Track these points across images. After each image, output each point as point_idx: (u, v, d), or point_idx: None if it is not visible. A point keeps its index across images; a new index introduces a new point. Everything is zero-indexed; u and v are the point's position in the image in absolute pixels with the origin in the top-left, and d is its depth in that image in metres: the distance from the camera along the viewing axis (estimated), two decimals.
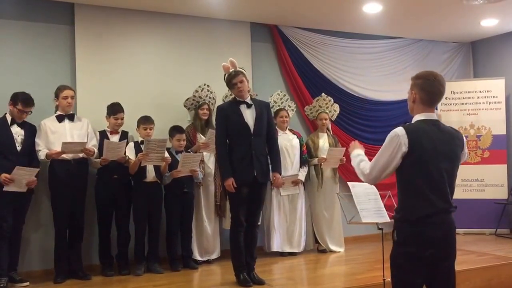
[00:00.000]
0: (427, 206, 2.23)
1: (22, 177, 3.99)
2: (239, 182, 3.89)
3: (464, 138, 2.44)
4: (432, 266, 2.26)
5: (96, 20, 4.90)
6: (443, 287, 2.32)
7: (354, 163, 2.53)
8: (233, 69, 3.94)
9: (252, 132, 3.92)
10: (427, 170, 2.23)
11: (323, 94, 5.58)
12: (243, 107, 3.96)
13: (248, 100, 4.01)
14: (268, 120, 4.06)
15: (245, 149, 3.90)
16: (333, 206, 5.36)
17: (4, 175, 3.95)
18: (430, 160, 2.23)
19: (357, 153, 2.58)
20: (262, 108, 4.04)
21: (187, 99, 4.92)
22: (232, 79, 3.92)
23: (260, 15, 5.42)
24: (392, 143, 2.26)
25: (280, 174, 4.19)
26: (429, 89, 2.33)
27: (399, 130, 2.27)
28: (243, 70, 4.00)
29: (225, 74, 4.00)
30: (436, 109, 2.60)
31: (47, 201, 4.47)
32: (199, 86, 4.93)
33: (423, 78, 2.35)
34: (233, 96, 4.24)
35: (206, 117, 4.91)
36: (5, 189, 3.98)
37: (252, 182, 3.91)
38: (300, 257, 5.15)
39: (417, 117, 2.36)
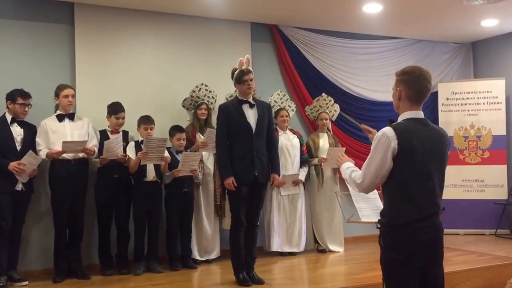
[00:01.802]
0: (416, 210, 2.14)
1: (30, 166, 3.99)
2: (240, 182, 3.89)
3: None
4: (421, 270, 2.19)
5: (96, 20, 4.90)
6: None
7: (345, 175, 2.40)
8: (245, 66, 3.95)
9: (253, 132, 3.92)
10: (417, 172, 2.14)
11: (323, 94, 5.58)
12: (245, 107, 3.96)
13: (251, 100, 4.01)
14: (268, 121, 4.07)
15: (247, 149, 3.91)
16: (333, 206, 5.36)
17: (14, 163, 3.97)
18: (421, 161, 2.14)
19: (347, 165, 2.44)
20: (264, 108, 4.04)
21: (184, 99, 4.92)
22: (244, 75, 3.92)
23: (260, 15, 5.43)
24: (382, 144, 2.13)
25: (279, 175, 4.19)
26: (415, 86, 2.21)
27: (388, 130, 2.14)
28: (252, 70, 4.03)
29: (234, 70, 3.99)
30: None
31: (47, 200, 4.48)
32: (196, 86, 4.94)
33: (409, 74, 2.23)
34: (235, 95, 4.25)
35: (204, 117, 4.91)
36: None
37: (252, 182, 3.91)
38: (300, 257, 5.14)
39: (404, 116, 2.24)
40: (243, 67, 3.95)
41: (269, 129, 4.08)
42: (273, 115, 5.31)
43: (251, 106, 3.98)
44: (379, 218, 2.27)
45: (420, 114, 2.26)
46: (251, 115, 3.95)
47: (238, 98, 4.02)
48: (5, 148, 4.08)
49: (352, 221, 3.42)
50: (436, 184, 2.20)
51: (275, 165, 4.10)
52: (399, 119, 2.26)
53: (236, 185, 3.87)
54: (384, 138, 2.14)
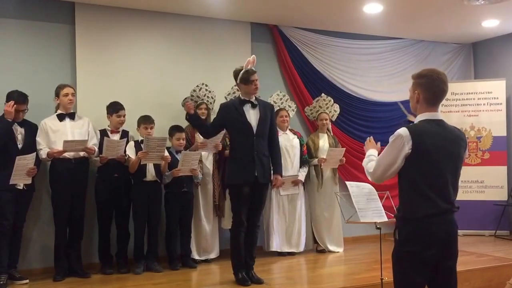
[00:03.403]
0: (429, 206, 2.22)
1: (25, 167, 3.97)
2: (240, 181, 3.90)
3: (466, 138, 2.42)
4: (433, 266, 2.25)
5: (96, 20, 4.91)
6: (444, 287, 2.31)
7: (364, 162, 2.55)
8: (250, 67, 3.96)
9: (254, 132, 3.92)
10: (430, 170, 2.23)
11: (323, 94, 5.58)
12: (247, 107, 3.95)
13: (254, 100, 4.01)
14: (270, 121, 4.06)
15: (247, 149, 3.90)
16: (333, 207, 5.36)
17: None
18: (434, 161, 2.23)
19: (370, 153, 2.59)
20: (266, 109, 4.04)
21: (185, 99, 4.92)
22: (250, 75, 3.92)
23: (260, 15, 5.43)
24: (396, 144, 2.26)
25: (282, 175, 4.20)
26: (432, 88, 2.30)
27: (403, 131, 2.25)
28: None
29: (237, 71, 3.98)
30: None
31: (47, 199, 4.49)
32: (197, 86, 4.94)
33: (426, 77, 2.32)
34: (237, 94, 4.25)
35: (204, 117, 4.88)
36: (11, 182, 3.97)
37: (253, 182, 3.91)
38: (299, 257, 5.15)
39: (420, 117, 2.33)
40: (248, 67, 3.95)
41: (271, 129, 4.07)
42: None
43: (253, 106, 3.97)
44: (395, 213, 2.37)
45: (436, 115, 2.34)
46: (252, 115, 3.95)
47: (240, 98, 4.02)
48: (6, 147, 4.08)
49: (352, 221, 3.43)
50: (449, 182, 2.27)
51: (278, 165, 4.11)
52: (416, 120, 2.36)
53: (237, 184, 3.89)
54: (399, 139, 2.25)
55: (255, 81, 3.92)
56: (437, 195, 2.23)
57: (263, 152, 3.96)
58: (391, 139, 2.30)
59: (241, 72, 3.95)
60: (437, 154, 2.23)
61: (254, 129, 3.92)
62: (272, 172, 4.13)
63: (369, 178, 2.46)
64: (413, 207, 2.25)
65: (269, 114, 4.04)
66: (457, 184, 2.33)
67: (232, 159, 4.03)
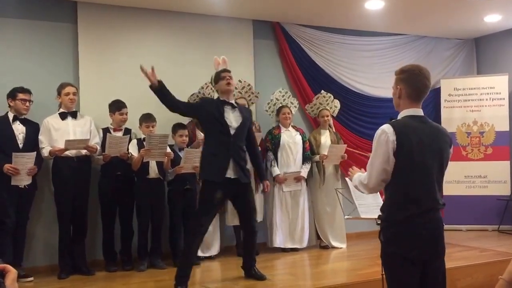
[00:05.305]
0: (414, 205, 2.17)
1: (24, 165, 4.02)
2: (212, 179, 3.73)
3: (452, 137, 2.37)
4: (422, 266, 2.21)
5: (98, 18, 4.93)
6: (433, 286, 2.26)
7: (354, 183, 2.43)
8: (223, 67, 3.94)
9: (233, 134, 3.81)
10: (415, 167, 2.17)
11: (322, 91, 5.57)
12: (227, 108, 3.86)
13: (233, 102, 3.96)
14: (249, 125, 4.01)
15: (224, 149, 3.77)
16: (335, 203, 5.35)
17: (8, 165, 3.99)
18: (419, 157, 2.17)
19: (357, 175, 2.45)
20: (246, 113, 3.99)
21: (192, 95, 4.92)
22: (221, 72, 3.88)
23: (262, 12, 5.43)
24: (381, 141, 2.18)
25: (267, 180, 4.23)
26: (415, 84, 2.25)
27: (386, 127, 2.19)
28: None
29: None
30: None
31: (51, 197, 4.51)
32: (205, 83, 4.93)
33: (408, 72, 2.28)
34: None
35: None
36: (12, 183, 4.02)
37: (226, 184, 3.74)
38: (302, 253, 5.17)
39: (403, 113, 2.28)
40: (222, 68, 3.93)
41: (250, 134, 4.00)
42: (275, 112, 5.35)
43: (233, 107, 3.90)
44: (379, 213, 2.30)
45: (419, 111, 2.29)
46: (233, 117, 3.85)
47: (219, 99, 3.90)
48: (7, 146, 4.11)
49: (352, 217, 3.44)
50: (434, 179, 2.22)
51: (262, 171, 4.18)
52: (399, 117, 2.31)
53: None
54: (383, 134, 2.18)
55: (226, 77, 3.84)
56: (422, 194, 2.18)
57: (239, 154, 3.84)
58: (375, 138, 2.22)
59: (215, 73, 3.94)
60: (422, 150, 2.17)
61: (233, 131, 3.81)
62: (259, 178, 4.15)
63: (364, 190, 2.34)
64: (397, 207, 2.19)
65: (249, 118, 4.01)
66: (442, 181, 2.28)
67: (206, 156, 3.85)
